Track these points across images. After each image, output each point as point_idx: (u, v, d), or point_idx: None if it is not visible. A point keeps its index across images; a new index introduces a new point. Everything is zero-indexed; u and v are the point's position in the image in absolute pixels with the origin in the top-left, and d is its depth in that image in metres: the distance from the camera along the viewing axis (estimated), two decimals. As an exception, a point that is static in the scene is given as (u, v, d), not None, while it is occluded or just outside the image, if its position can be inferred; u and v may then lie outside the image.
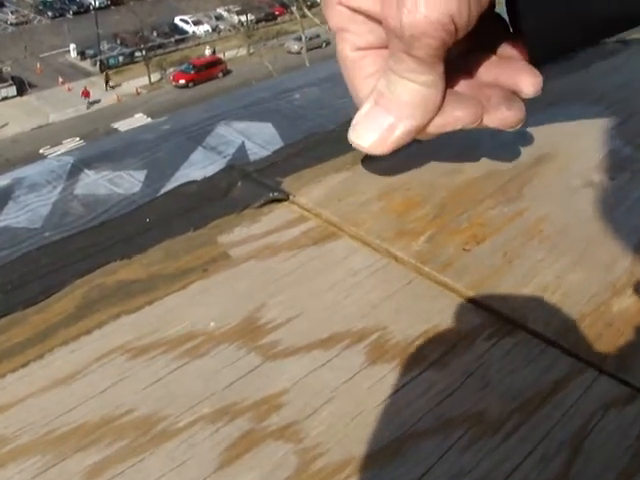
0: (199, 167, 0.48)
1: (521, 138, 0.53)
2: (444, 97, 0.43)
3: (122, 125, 17.33)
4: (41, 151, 16.07)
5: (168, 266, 0.40)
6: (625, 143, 0.53)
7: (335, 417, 0.32)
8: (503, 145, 0.47)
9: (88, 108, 18.09)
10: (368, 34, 0.44)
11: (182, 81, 19.65)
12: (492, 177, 0.49)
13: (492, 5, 0.41)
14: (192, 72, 19.76)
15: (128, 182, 0.47)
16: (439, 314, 0.38)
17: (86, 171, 0.48)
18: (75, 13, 23.66)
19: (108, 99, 19.04)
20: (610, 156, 0.52)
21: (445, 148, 0.50)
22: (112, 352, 0.34)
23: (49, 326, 0.36)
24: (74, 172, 0.48)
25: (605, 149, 0.53)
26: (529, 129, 0.54)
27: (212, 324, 0.36)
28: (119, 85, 19.30)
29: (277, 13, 24.33)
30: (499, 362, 0.35)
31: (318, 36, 20.75)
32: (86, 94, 18.21)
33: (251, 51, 21.55)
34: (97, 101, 18.68)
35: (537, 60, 0.45)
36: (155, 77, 20.37)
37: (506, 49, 0.45)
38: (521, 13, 0.41)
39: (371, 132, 0.44)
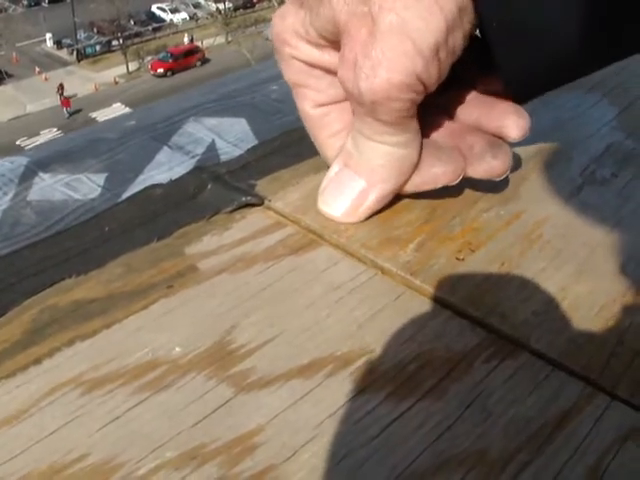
0: (165, 169, 0.44)
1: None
2: (421, 152, 0.38)
3: (100, 115, 17.17)
4: (18, 142, 15.88)
5: (129, 282, 0.36)
6: (626, 135, 0.50)
7: (318, 459, 0.28)
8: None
9: (68, 118, 17.77)
10: (329, 89, 0.39)
11: (160, 70, 19.47)
12: (485, 175, 0.45)
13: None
14: (170, 61, 19.59)
15: (87, 186, 0.42)
16: (432, 334, 0.34)
17: (41, 174, 0.44)
18: (50, 1, 23.38)
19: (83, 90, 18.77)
20: (611, 150, 0.48)
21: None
22: (64, 385, 0.30)
23: (-8, 356, 0.31)
24: (27, 175, 0.44)
25: (605, 142, 0.49)
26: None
27: (177, 349, 0.32)
28: (75, 95, 18.90)
29: (255, 0, 24.15)
30: (500, 389, 0.31)
31: (297, 23, 20.54)
32: (66, 104, 17.88)
33: (229, 39, 21.38)
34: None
35: (519, 99, 0.40)
36: (133, 66, 20.17)
37: (487, 82, 0.40)
38: (494, 53, 0.35)
39: (341, 200, 0.39)
